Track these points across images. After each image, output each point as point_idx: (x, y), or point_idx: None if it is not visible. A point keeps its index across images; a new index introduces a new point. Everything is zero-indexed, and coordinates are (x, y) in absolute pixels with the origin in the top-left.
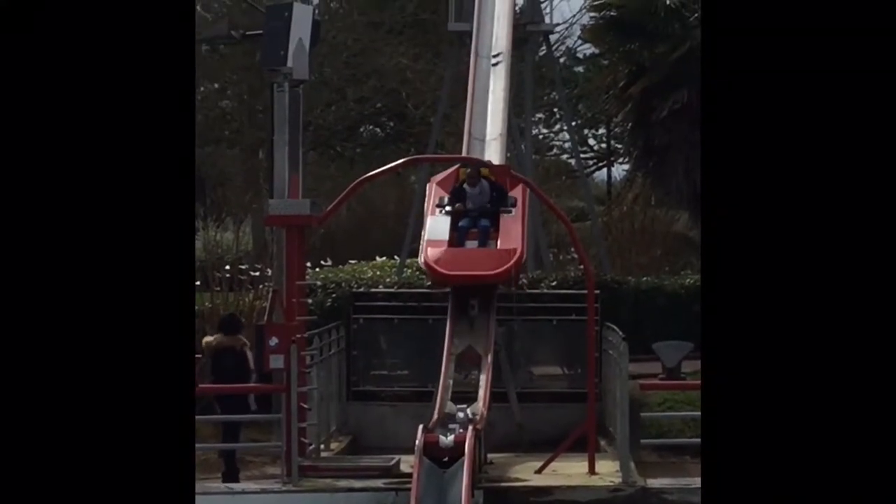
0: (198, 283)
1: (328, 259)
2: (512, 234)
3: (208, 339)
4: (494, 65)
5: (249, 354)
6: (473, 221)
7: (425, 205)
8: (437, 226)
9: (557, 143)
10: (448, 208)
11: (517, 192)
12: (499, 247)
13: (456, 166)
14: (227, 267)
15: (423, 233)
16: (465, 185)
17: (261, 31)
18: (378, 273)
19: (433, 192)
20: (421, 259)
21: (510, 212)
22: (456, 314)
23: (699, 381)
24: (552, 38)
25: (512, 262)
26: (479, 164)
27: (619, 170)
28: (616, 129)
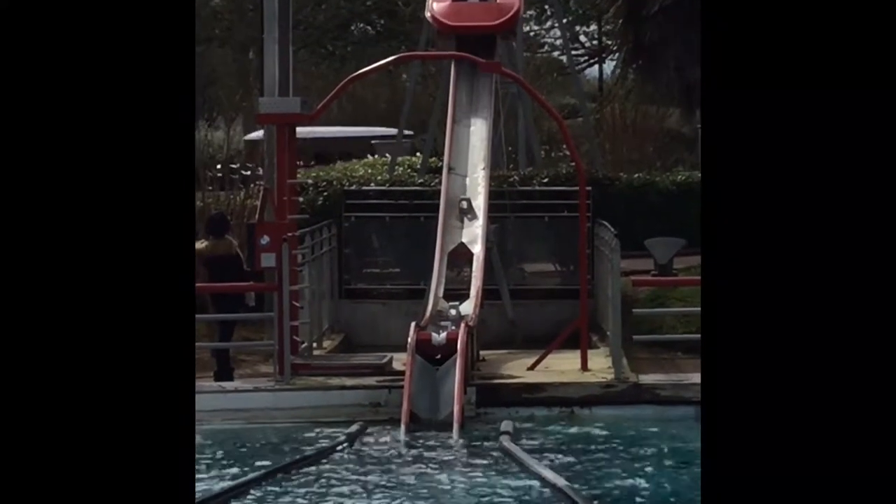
0: None
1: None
2: None
3: (198, 245)
4: None
5: (242, 255)
6: None
7: None
8: None
9: (549, 40)
10: None
11: None
12: (499, 1)
13: None
14: (219, 166)
15: None
16: None
17: None
18: (370, 171)
19: None
20: (427, 13)
21: None
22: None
23: (691, 277)
24: None
25: (512, 12)
26: (471, 61)
27: (611, 66)
28: (607, 26)
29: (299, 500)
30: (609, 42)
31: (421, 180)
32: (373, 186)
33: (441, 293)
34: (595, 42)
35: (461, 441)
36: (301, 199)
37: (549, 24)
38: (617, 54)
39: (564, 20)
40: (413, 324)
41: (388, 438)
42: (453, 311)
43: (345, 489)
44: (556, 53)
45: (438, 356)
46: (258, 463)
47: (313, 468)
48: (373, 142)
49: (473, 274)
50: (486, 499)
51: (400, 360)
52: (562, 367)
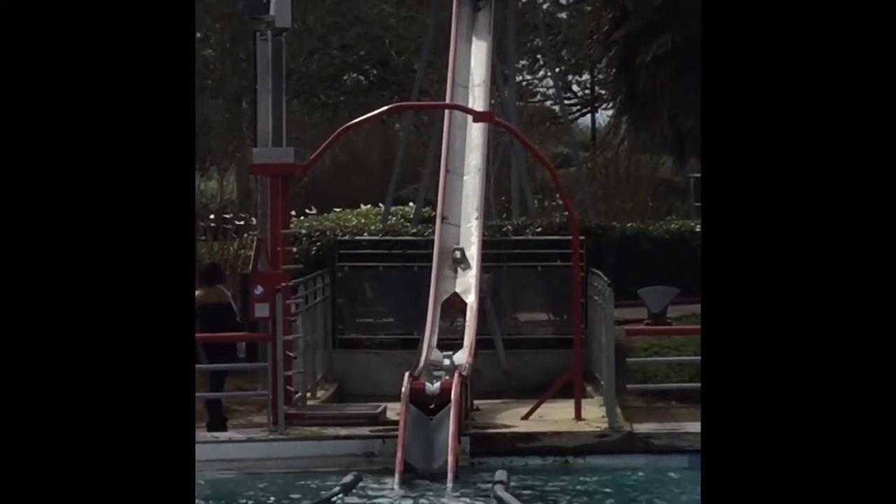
0: None
1: (313, 207)
2: None
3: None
4: (477, 11)
5: (234, 305)
6: None
7: None
8: None
9: (541, 89)
10: None
11: None
12: None
13: None
14: (212, 216)
15: None
16: None
17: None
18: (363, 221)
19: None
20: None
21: None
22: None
23: (685, 326)
24: None
25: None
26: (464, 111)
27: (604, 115)
28: (600, 75)
29: None
30: (602, 91)
31: (414, 230)
32: (366, 236)
33: (435, 343)
34: (588, 91)
35: (455, 491)
36: (295, 249)
37: (541, 73)
38: (609, 103)
39: (557, 70)
40: (407, 374)
41: (382, 488)
42: (447, 361)
43: None
44: (548, 103)
45: (432, 406)
46: None
47: None
48: None
49: (467, 323)
50: None
51: (394, 410)
52: (556, 416)
